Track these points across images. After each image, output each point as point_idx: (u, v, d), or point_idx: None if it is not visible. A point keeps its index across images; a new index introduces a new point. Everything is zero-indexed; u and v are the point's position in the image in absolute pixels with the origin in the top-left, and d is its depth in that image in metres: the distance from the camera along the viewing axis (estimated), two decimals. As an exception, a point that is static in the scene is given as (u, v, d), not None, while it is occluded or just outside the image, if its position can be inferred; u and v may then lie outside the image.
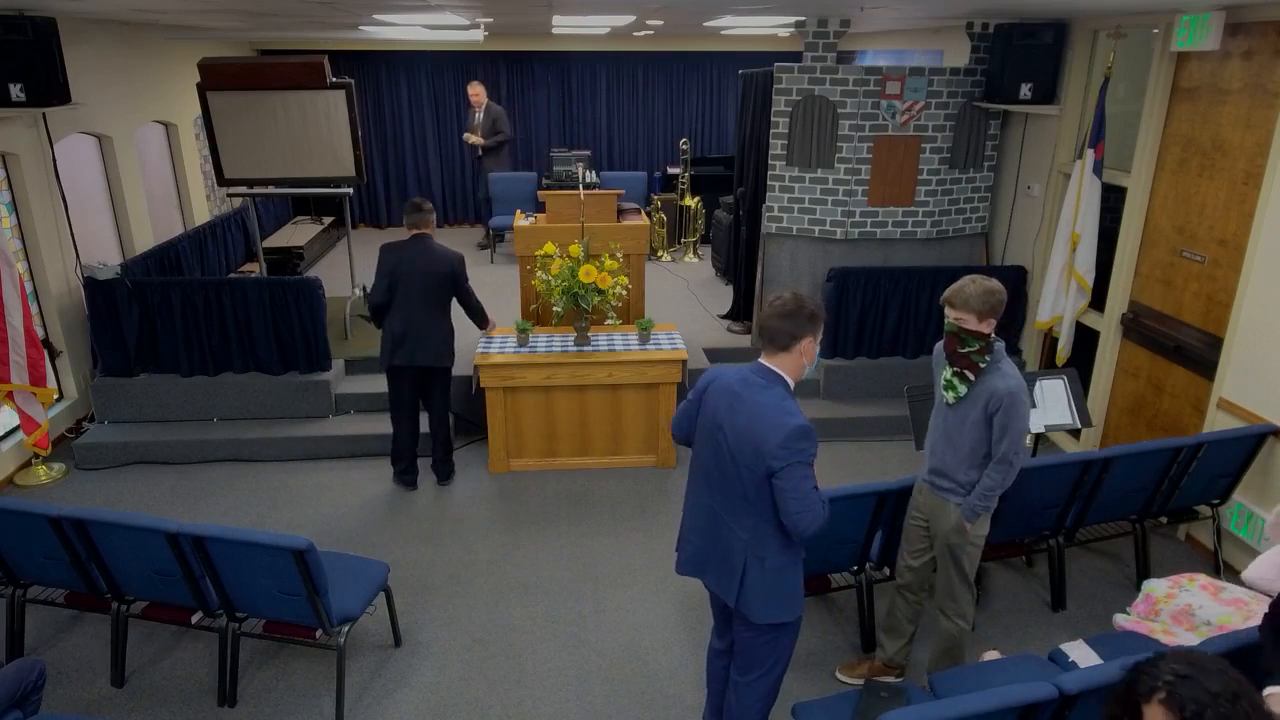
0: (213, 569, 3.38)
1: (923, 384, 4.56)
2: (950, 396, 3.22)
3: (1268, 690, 2.32)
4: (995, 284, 3.11)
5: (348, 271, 7.50)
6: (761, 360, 2.78)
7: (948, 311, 3.14)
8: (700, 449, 2.90)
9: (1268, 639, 2.50)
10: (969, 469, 3.25)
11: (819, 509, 2.63)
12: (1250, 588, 3.30)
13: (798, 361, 2.74)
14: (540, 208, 6.52)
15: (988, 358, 3.13)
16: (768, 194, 6.63)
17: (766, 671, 2.96)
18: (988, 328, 3.12)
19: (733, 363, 6.66)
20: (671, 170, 10.69)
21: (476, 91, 9.71)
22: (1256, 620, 2.82)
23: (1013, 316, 6.54)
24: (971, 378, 3.14)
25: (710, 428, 2.82)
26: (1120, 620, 3.53)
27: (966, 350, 3.14)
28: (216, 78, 6.43)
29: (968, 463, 3.25)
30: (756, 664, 2.94)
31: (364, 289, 7.46)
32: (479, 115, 9.78)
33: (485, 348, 5.54)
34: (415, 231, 5.03)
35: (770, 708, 3.06)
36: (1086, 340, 5.74)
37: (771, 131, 6.48)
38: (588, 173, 6.21)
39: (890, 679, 3.64)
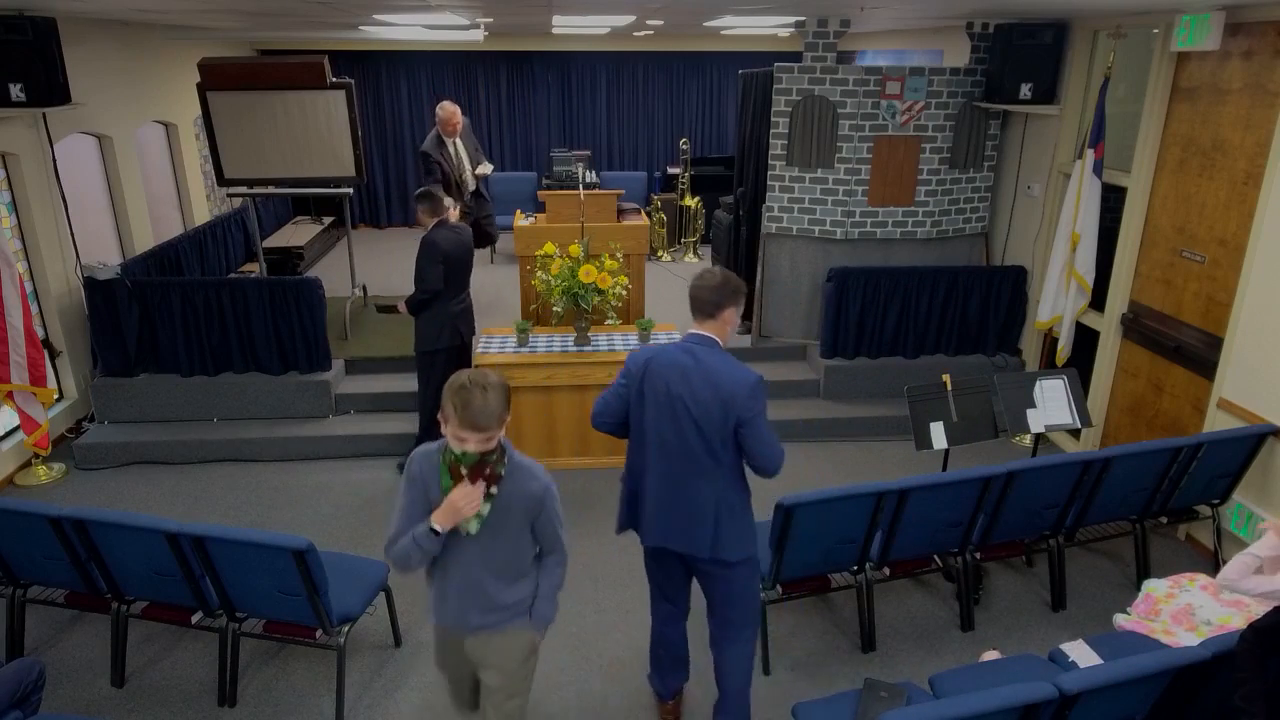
0: (213, 569, 3.38)
1: (923, 384, 4.55)
2: (474, 525, 2.58)
3: None
4: (498, 385, 2.48)
5: (348, 271, 7.51)
6: (695, 330, 3.08)
7: (471, 439, 2.46)
8: (651, 423, 3.07)
9: (1248, 665, 2.50)
10: (514, 583, 2.73)
11: (781, 447, 3.02)
12: (1231, 589, 3.26)
13: (723, 327, 3.08)
14: (540, 208, 6.52)
15: (505, 461, 2.60)
16: (768, 194, 6.63)
17: (753, 613, 3.27)
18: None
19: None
20: (671, 170, 10.69)
21: (456, 115, 7.09)
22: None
23: (1014, 317, 6.56)
24: (495, 491, 2.57)
25: (664, 400, 3.02)
26: (1120, 620, 3.53)
27: (488, 464, 2.56)
28: (216, 78, 6.43)
29: (512, 577, 2.72)
30: (745, 605, 3.23)
31: (363, 288, 7.48)
32: (456, 144, 7.16)
33: (485, 348, 5.54)
34: (438, 218, 5.18)
35: (752, 659, 3.33)
36: (1086, 340, 5.74)
37: (771, 131, 6.47)
38: (588, 173, 6.21)
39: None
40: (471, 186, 7.41)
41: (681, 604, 3.41)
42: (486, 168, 7.43)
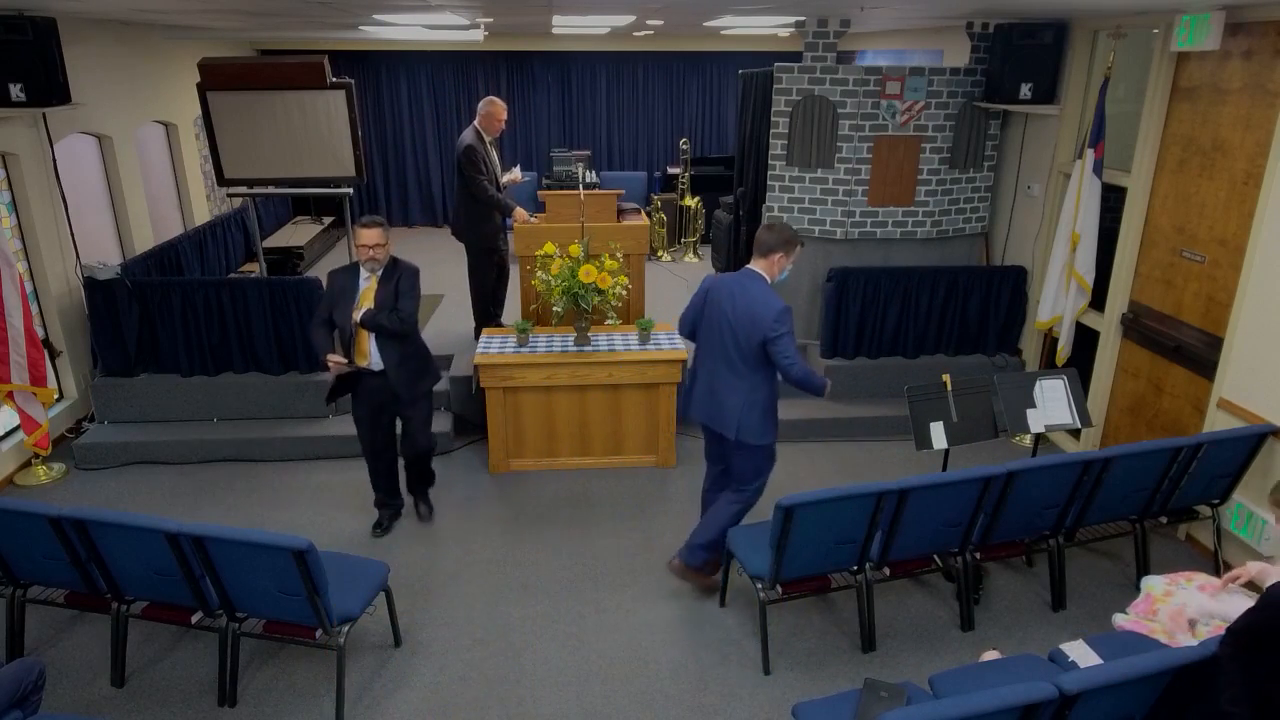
0: (213, 569, 3.37)
1: (923, 384, 4.55)
2: None
3: None
4: None
5: (348, 271, 7.49)
6: (750, 265, 4.00)
7: None
8: (705, 330, 4.08)
9: (1231, 668, 2.50)
10: None
11: (801, 361, 3.92)
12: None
13: (771, 266, 3.95)
14: (540, 208, 6.51)
15: None
16: (768, 194, 6.63)
17: (750, 482, 4.18)
18: None
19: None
20: (671, 170, 10.70)
21: (504, 114, 6.31)
22: None
23: (1014, 317, 6.55)
24: None
25: (717, 314, 4.00)
26: (1119, 620, 3.53)
27: None
28: (216, 78, 6.43)
29: None
30: (749, 477, 4.18)
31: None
32: (493, 146, 6.40)
33: (485, 348, 5.54)
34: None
35: (739, 518, 4.22)
36: (1086, 340, 5.74)
37: (771, 131, 6.48)
38: (588, 173, 6.20)
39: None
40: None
41: (712, 476, 4.42)
42: (517, 173, 6.55)
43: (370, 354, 4.52)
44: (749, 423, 4.00)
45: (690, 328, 4.19)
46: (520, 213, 6.27)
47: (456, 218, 6.51)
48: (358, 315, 4.40)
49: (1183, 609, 3.35)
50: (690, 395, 4.23)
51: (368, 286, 4.45)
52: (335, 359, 4.41)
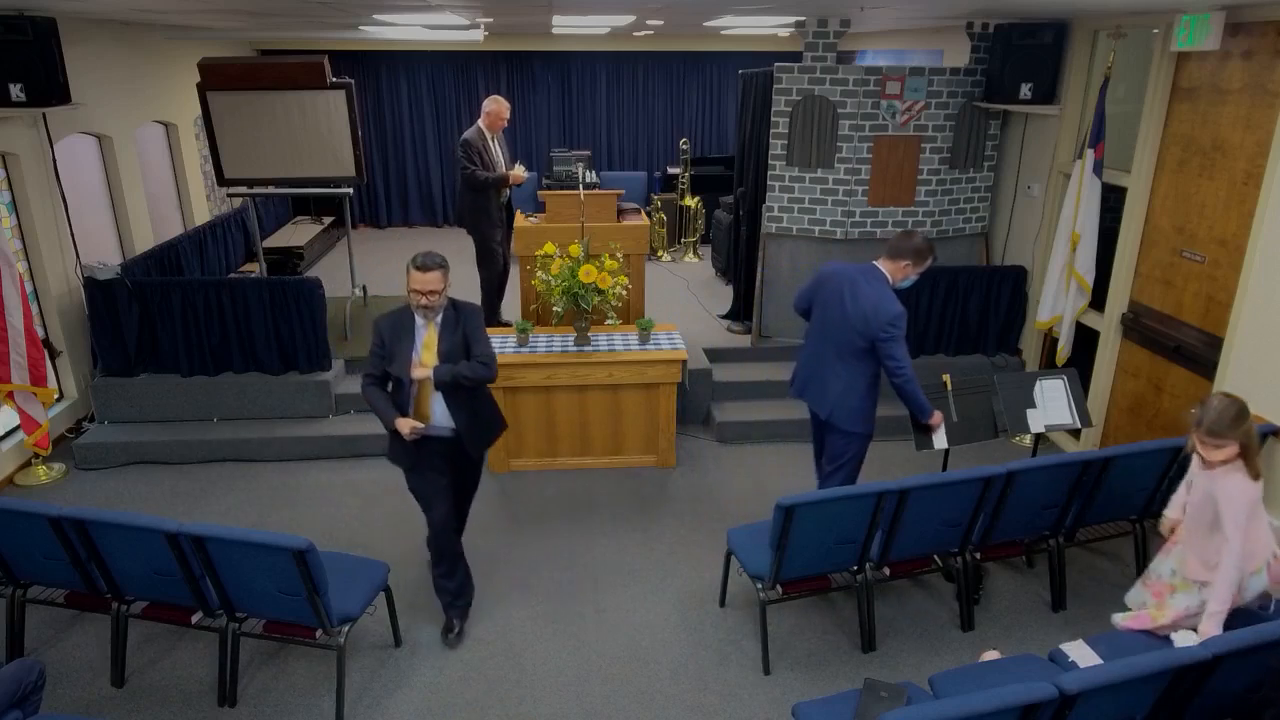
0: (213, 569, 3.38)
1: (923, 384, 4.54)
2: None
3: None
4: None
5: (348, 271, 7.50)
6: (876, 261, 4.15)
7: None
8: (818, 313, 4.27)
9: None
10: None
11: (910, 365, 4.04)
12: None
13: (894, 270, 4.11)
14: (540, 208, 6.52)
15: None
16: (768, 194, 6.63)
17: (845, 462, 4.34)
18: None
19: (735, 361, 6.71)
20: (671, 170, 10.69)
21: (506, 110, 6.58)
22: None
23: (1014, 317, 6.55)
24: None
25: (832, 300, 4.16)
26: (1119, 619, 3.53)
27: None
28: (216, 78, 6.43)
29: None
30: (839, 455, 4.35)
31: (364, 289, 7.47)
32: (497, 142, 6.67)
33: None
34: None
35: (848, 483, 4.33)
36: (1086, 340, 5.74)
37: (771, 131, 6.47)
38: (588, 173, 6.20)
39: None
40: (506, 195, 6.79)
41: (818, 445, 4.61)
42: (520, 170, 6.57)
43: (433, 414, 3.81)
44: (843, 409, 4.20)
45: (804, 306, 4.40)
46: (513, 175, 6.51)
47: (460, 214, 6.76)
48: (422, 372, 3.71)
49: (1157, 577, 3.47)
50: (796, 372, 4.47)
51: (428, 336, 3.76)
52: (411, 425, 3.69)
